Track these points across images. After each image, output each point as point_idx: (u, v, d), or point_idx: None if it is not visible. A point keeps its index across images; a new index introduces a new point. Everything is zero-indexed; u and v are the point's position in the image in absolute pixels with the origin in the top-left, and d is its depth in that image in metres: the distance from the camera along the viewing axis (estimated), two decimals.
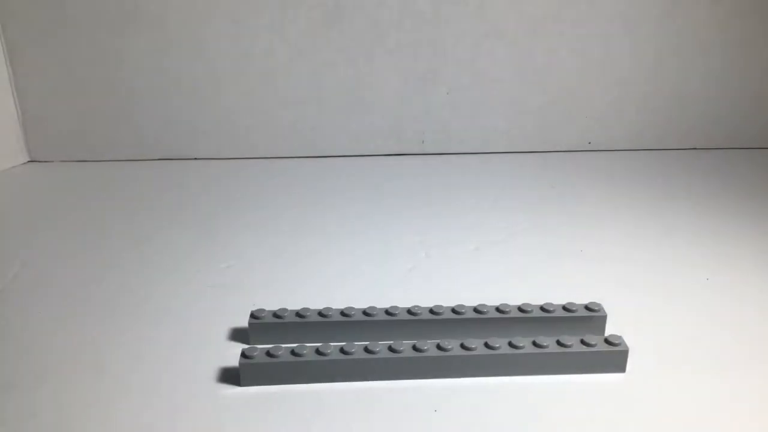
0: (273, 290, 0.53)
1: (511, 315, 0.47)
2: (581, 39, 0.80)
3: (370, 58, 0.79)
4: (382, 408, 0.41)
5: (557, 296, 0.50)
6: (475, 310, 0.47)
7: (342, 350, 0.43)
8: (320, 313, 0.47)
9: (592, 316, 0.47)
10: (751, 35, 0.81)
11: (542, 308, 0.47)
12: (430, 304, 0.48)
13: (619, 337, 0.44)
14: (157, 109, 0.80)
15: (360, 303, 0.49)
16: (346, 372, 0.43)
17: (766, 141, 0.86)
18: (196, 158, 0.82)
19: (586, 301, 0.48)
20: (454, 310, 0.47)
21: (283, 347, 0.43)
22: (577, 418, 0.40)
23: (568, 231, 0.64)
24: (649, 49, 0.81)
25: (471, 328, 0.46)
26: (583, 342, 0.44)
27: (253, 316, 0.47)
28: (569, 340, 0.44)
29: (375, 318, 0.46)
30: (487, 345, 0.43)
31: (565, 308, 0.47)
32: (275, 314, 0.47)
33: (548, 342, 0.43)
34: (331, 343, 0.43)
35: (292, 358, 0.42)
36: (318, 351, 0.43)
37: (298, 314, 0.47)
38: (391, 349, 0.43)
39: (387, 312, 0.47)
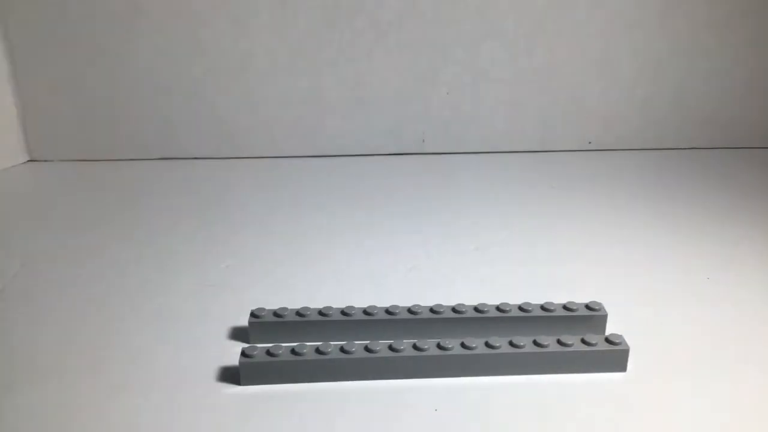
0: (272, 289, 0.53)
1: (512, 314, 0.47)
2: (581, 39, 0.80)
3: (370, 58, 0.79)
4: (382, 407, 0.41)
5: (557, 296, 0.50)
6: (476, 309, 0.47)
7: (342, 349, 0.43)
8: (320, 312, 0.47)
9: (592, 316, 0.47)
10: (751, 35, 0.81)
11: (542, 307, 0.47)
12: (430, 304, 0.48)
13: (620, 336, 0.44)
14: (157, 109, 0.80)
15: (360, 302, 0.49)
16: (346, 371, 0.43)
17: (766, 141, 0.86)
18: (196, 158, 0.82)
19: (586, 301, 0.48)
20: (454, 309, 0.47)
21: (283, 346, 0.43)
22: (578, 417, 0.40)
23: (568, 231, 0.64)
24: (649, 49, 0.81)
25: (471, 328, 0.46)
26: (583, 341, 0.44)
27: (253, 315, 0.47)
28: (570, 339, 0.44)
29: (375, 317, 0.46)
30: (487, 344, 0.43)
31: (565, 307, 0.47)
32: (275, 313, 0.47)
33: (549, 341, 0.43)
34: (331, 342, 0.43)
35: (292, 357, 0.42)
36: (318, 350, 0.43)
37: (298, 313, 0.47)
38: (391, 348, 0.43)
39: (387, 311, 0.47)
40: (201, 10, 0.76)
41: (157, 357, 0.46)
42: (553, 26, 0.79)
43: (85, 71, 0.78)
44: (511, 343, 0.43)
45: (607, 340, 0.44)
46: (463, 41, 0.79)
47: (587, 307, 0.47)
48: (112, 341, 0.47)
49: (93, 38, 0.76)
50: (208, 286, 0.54)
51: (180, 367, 0.44)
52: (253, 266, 0.57)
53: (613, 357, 0.44)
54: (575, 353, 0.43)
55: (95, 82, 0.78)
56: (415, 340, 0.43)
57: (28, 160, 0.81)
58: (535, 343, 0.43)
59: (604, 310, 0.47)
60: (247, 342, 0.47)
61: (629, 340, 0.44)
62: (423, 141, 0.83)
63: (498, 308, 0.47)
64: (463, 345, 0.43)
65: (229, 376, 0.44)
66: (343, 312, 0.47)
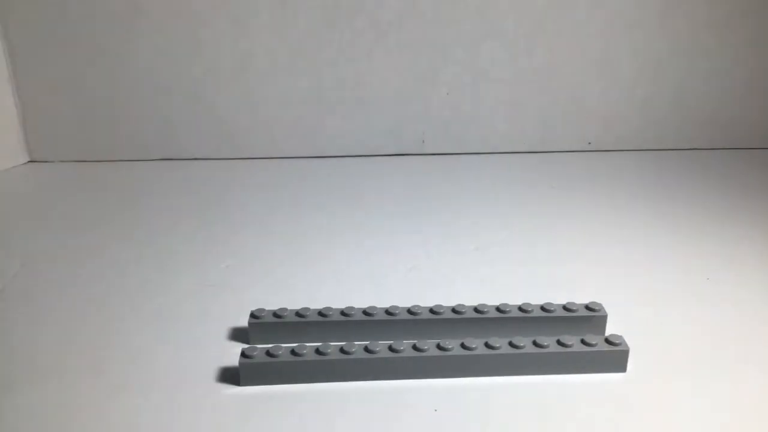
0: (272, 290, 0.53)
1: (512, 315, 0.47)
2: (581, 39, 0.80)
3: (370, 58, 0.79)
4: (382, 407, 0.41)
5: (557, 296, 0.50)
6: (476, 309, 0.47)
7: (342, 350, 0.43)
8: (320, 313, 0.47)
9: (592, 316, 0.47)
10: (751, 35, 0.81)
11: (542, 308, 0.47)
12: (430, 304, 0.48)
13: (620, 337, 0.44)
14: (157, 109, 0.80)
15: (360, 303, 0.49)
16: (346, 372, 0.43)
17: (766, 141, 0.86)
18: (196, 158, 0.82)
19: (586, 301, 0.48)
20: (454, 310, 0.47)
21: (282, 347, 0.43)
22: (578, 417, 0.40)
23: (568, 231, 0.64)
24: (649, 49, 0.81)
25: (471, 328, 0.46)
26: (583, 342, 0.44)
27: (253, 315, 0.47)
28: (569, 339, 0.44)
29: (375, 318, 0.46)
30: (487, 345, 0.43)
31: (565, 308, 0.47)
32: (275, 314, 0.47)
33: (548, 342, 0.43)
34: (331, 343, 0.43)
35: (292, 358, 0.42)
36: (318, 351, 0.43)
37: (297, 314, 0.47)
38: (391, 348, 0.43)
39: (387, 312, 0.47)
40: (201, 10, 0.76)
41: (157, 357, 0.46)
42: (553, 26, 0.79)
43: (85, 71, 0.78)
44: (510, 344, 0.43)
45: (606, 340, 0.44)
46: (463, 41, 0.79)
47: (587, 307, 0.47)
48: (112, 341, 0.47)
49: (93, 38, 0.76)
50: (208, 286, 0.54)
51: (180, 368, 0.44)
52: (253, 266, 0.57)
53: (612, 357, 0.44)
54: (575, 354, 0.43)
55: (95, 83, 0.78)
56: (415, 341, 0.43)
57: (29, 161, 0.81)
58: (535, 343, 0.43)
59: (604, 311, 0.47)
60: (247, 342, 0.47)
61: (629, 341, 0.44)
62: (423, 141, 0.83)
63: (498, 309, 0.47)
64: (462, 345, 0.43)
65: (229, 376, 0.44)
66: (343, 312, 0.47)
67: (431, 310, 0.47)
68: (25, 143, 0.81)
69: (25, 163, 0.81)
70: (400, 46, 0.79)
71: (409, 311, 0.47)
